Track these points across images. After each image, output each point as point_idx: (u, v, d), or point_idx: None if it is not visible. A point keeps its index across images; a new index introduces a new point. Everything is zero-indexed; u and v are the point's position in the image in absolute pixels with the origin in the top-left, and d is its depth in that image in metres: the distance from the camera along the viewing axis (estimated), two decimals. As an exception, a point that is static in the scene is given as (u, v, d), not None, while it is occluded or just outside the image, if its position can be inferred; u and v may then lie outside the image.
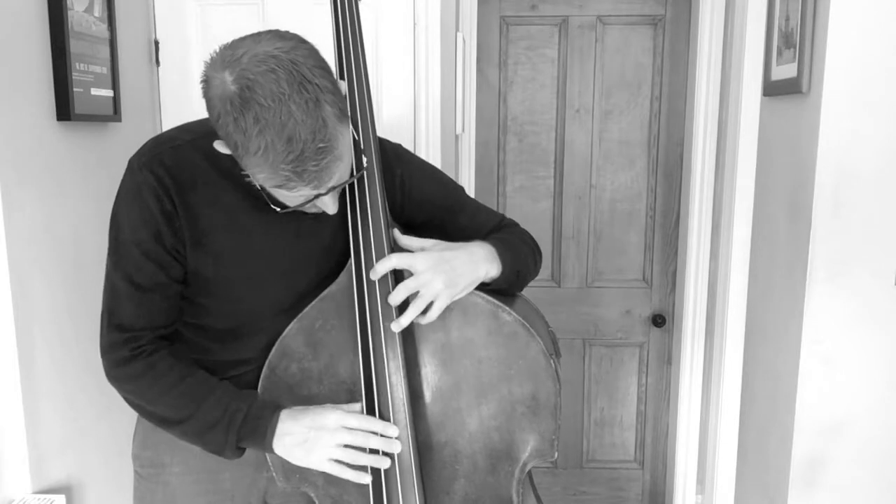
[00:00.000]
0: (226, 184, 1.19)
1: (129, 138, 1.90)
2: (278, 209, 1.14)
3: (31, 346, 1.55)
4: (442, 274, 1.17)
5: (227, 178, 1.18)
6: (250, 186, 1.18)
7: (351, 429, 1.18)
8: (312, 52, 1.03)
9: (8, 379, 1.51)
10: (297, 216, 1.21)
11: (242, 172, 1.09)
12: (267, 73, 0.97)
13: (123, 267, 1.18)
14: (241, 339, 1.28)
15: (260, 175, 1.03)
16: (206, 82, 1.02)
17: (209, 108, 1.03)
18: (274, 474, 1.29)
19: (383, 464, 1.20)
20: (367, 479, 1.20)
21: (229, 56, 1.00)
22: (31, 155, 1.57)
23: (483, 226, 1.37)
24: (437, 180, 1.38)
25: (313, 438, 1.17)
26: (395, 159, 1.32)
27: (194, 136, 1.20)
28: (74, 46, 1.65)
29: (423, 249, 1.23)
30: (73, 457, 1.69)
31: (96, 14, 1.75)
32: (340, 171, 1.07)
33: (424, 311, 1.19)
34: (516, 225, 1.41)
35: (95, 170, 1.78)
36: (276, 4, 2.05)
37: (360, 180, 1.21)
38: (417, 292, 1.18)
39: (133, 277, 1.18)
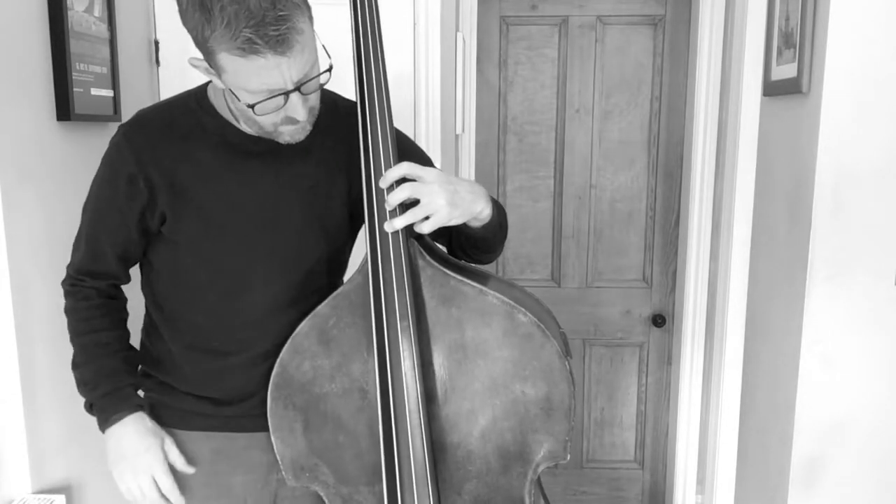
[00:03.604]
0: (202, 137, 1.25)
1: (129, 138, 1.90)
2: (256, 124, 1.17)
3: (31, 346, 1.55)
4: (446, 192, 1.17)
5: (202, 131, 1.25)
6: (226, 135, 1.24)
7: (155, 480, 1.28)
8: None
9: (8, 379, 1.51)
10: (276, 167, 1.25)
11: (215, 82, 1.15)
12: None
13: (87, 215, 1.31)
14: (230, 310, 1.30)
15: (222, 46, 1.06)
16: None
17: (179, 6, 1.09)
18: (283, 474, 1.29)
19: None
20: None
21: None
22: (31, 155, 1.57)
23: None
24: (414, 148, 1.40)
25: (124, 460, 1.29)
26: None
27: (172, 99, 1.31)
28: (74, 46, 1.65)
29: None
30: (73, 457, 1.68)
31: (96, 14, 1.75)
32: (300, 50, 1.08)
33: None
34: None
35: (95, 170, 1.77)
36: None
37: (377, 160, 1.22)
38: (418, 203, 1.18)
39: (91, 226, 1.31)
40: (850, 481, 1.86)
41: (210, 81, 1.26)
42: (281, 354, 1.26)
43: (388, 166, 1.20)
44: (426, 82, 2.10)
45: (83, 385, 1.32)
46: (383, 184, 1.19)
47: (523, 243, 2.78)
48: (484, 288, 1.22)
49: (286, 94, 1.11)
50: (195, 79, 2.04)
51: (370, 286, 1.21)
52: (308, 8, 1.10)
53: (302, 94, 1.12)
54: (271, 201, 1.27)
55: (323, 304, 1.24)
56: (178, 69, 2.08)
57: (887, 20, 1.67)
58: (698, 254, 2.56)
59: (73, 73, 1.64)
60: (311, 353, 1.25)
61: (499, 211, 1.31)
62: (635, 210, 2.75)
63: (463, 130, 2.46)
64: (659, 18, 2.64)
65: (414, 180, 1.18)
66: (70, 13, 1.63)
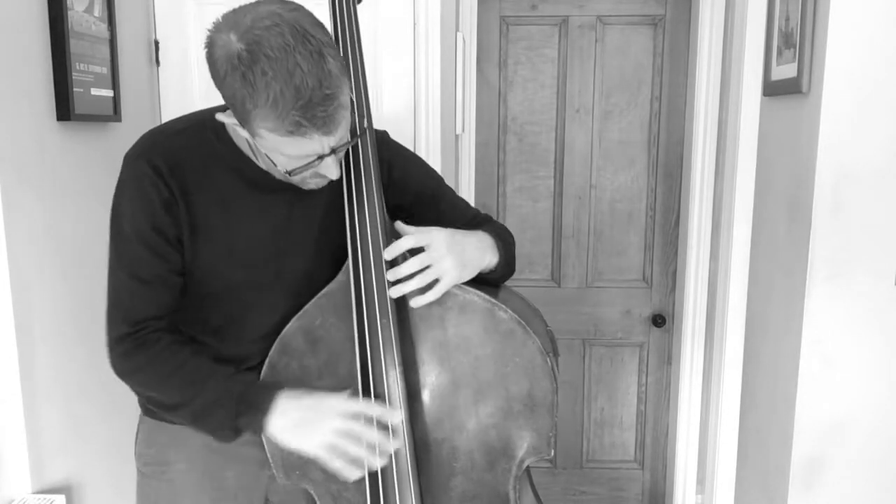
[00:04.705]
0: (219, 168, 1.22)
1: (129, 138, 1.87)
2: (282, 173, 1.15)
3: (31, 346, 1.55)
4: (454, 255, 1.18)
5: (220, 162, 1.22)
6: (243, 170, 1.22)
7: (352, 415, 1.17)
8: (310, 14, 1.07)
9: (8, 379, 1.51)
10: (289, 201, 1.24)
11: (244, 136, 1.11)
12: (271, 28, 1.01)
13: (126, 260, 1.21)
14: (235, 331, 1.29)
15: (267, 125, 1.04)
16: (211, 45, 1.05)
17: (214, 69, 1.05)
18: (274, 471, 1.30)
19: (378, 463, 1.18)
20: (356, 474, 1.17)
21: (232, 19, 1.04)
22: (31, 155, 1.57)
23: (462, 214, 1.40)
24: (419, 166, 1.41)
25: (311, 420, 1.17)
26: (381, 144, 1.34)
27: (187, 125, 1.25)
28: (74, 46, 1.65)
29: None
30: (73, 457, 1.69)
31: (96, 14, 1.75)
32: (344, 125, 1.08)
33: (423, 292, 1.20)
34: (492, 219, 1.43)
35: (95, 170, 1.78)
36: (276, 4, 2.05)
37: (357, 172, 1.22)
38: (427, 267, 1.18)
39: (135, 270, 1.20)
40: (850, 481, 1.86)
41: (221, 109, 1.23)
42: (270, 354, 1.27)
43: (366, 163, 1.22)
44: (426, 82, 2.10)
45: (207, 416, 1.20)
46: (388, 255, 1.19)
47: (523, 243, 2.78)
48: (466, 286, 1.23)
49: (321, 157, 1.10)
50: (195, 79, 2.05)
51: (352, 284, 1.22)
52: (345, 68, 1.08)
53: (335, 154, 1.12)
54: (284, 233, 1.26)
55: (310, 304, 1.25)
56: (178, 69, 2.08)
57: (887, 20, 1.67)
58: (698, 254, 2.56)
59: (73, 73, 1.64)
60: (298, 353, 1.26)
61: (506, 250, 1.31)
62: (635, 210, 2.75)
63: (463, 130, 2.46)
64: (659, 18, 2.64)
65: (422, 248, 1.18)
66: (70, 13, 1.63)
